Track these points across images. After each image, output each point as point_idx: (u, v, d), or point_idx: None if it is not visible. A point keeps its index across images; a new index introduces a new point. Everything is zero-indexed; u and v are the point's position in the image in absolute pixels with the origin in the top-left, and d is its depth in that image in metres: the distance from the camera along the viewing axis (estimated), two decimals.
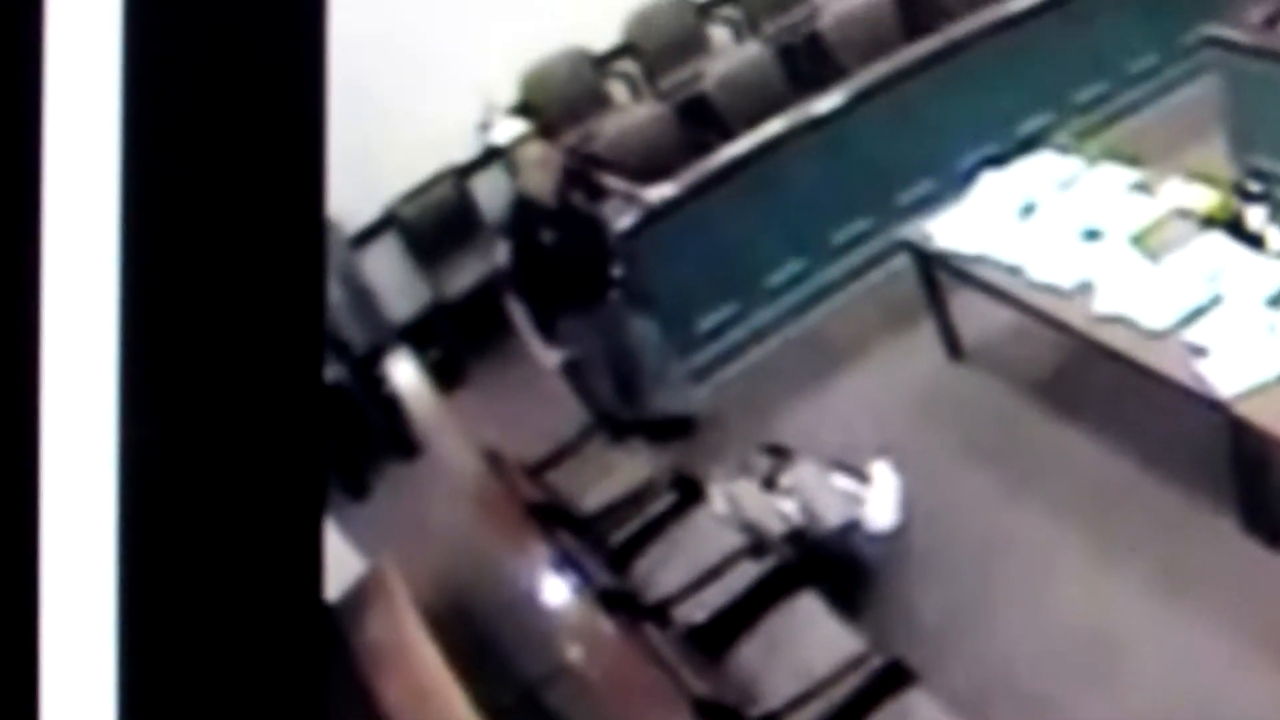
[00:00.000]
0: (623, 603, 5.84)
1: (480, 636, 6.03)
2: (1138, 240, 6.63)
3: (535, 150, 7.91)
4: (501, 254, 7.47)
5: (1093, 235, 6.78)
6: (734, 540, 6.26)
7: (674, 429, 7.82)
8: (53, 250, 3.48)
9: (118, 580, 3.41)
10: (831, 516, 6.52)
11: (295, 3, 3.63)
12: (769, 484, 6.72)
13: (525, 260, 7.35)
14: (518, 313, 7.44)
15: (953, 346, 7.67)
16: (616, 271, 7.62)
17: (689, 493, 6.64)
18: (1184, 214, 6.68)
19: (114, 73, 3.48)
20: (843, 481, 6.75)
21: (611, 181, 8.22)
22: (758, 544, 6.23)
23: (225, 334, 3.33)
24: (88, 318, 3.44)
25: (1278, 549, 5.87)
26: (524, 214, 7.46)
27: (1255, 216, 6.35)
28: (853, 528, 6.56)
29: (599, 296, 7.58)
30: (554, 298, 7.45)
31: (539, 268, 7.35)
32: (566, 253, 7.38)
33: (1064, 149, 7.66)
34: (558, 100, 9.48)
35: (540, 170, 7.46)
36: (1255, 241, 6.31)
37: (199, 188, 3.36)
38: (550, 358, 7.50)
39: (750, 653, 5.75)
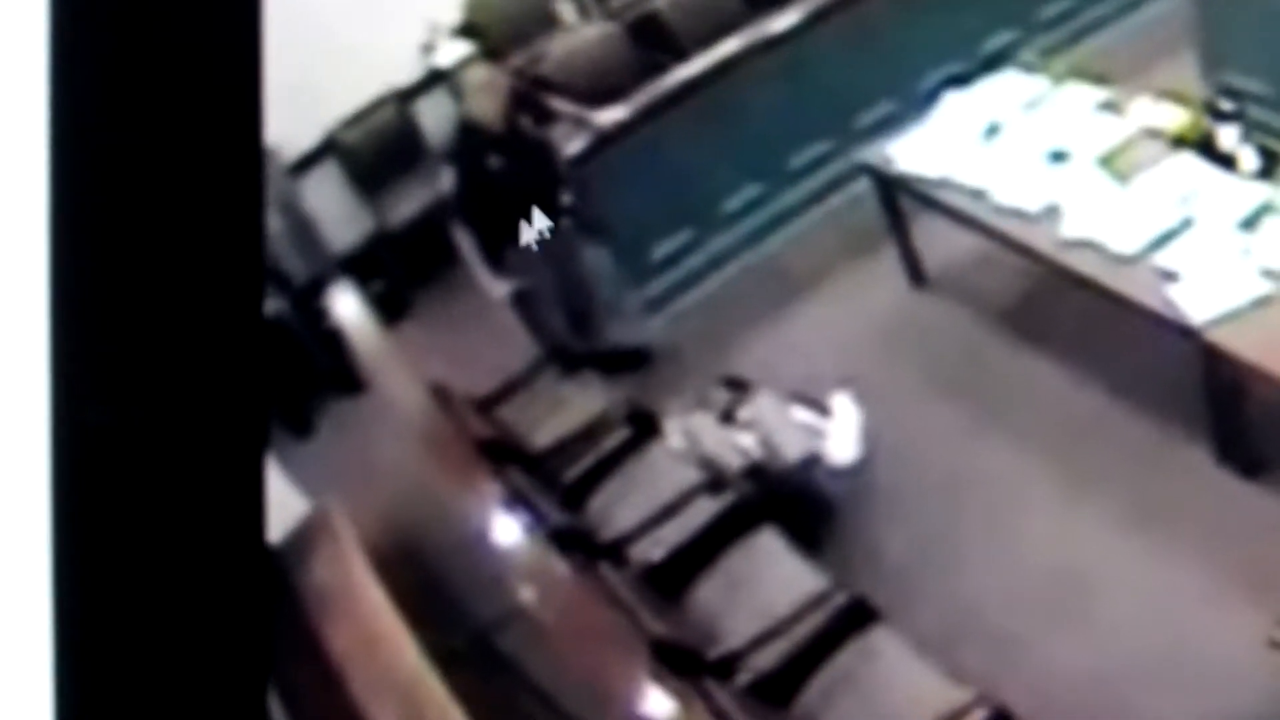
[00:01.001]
0: (577, 542, 5.76)
1: (430, 579, 5.93)
2: (1106, 162, 6.49)
3: (481, 73, 7.74)
4: (447, 181, 7.32)
5: (1059, 157, 6.63)
6: (691, 476, 6.16)
7: (628, 362, 7.71)
8: None
9: (53, 521, 3.28)
10: (792, 450, 6.42)
11: None
12: (727, 418, 6.60)
13: (472, 187, 7.17)
14: (464, 242, 7.30)
15: (915, 274, 7.56)
16: (567, 198, 7.45)
17: (644, 427, 6.53)
18: (1153, 134, 6.54)
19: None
20: (803, 414, 6.64)
21: (560, 105, 8.06)
22: (716, 480, 6.12)
23: (161, 266, 3.17)
24: (17, 249, 3.27)
25: (1252, 480, 5.77)
26: (470, 139, 7.27)
27: (1227, 136, 6.19)
28: (814, 462, 6.46)
29: (549, 224, 7.34)
30: (502, 226, 7.24)
31: (486, 195, 7.13)
32: (515, 179, 7.18)
33: (1029, 68, 7.50)
34: (504, 21, 9.36)
35: (486, 94, 7.26)
36: (1227, 162, 6.16)
37: (130, 112, 3.19)
38: (499, 289, 7.36)
39: (709, 592, 5.67)
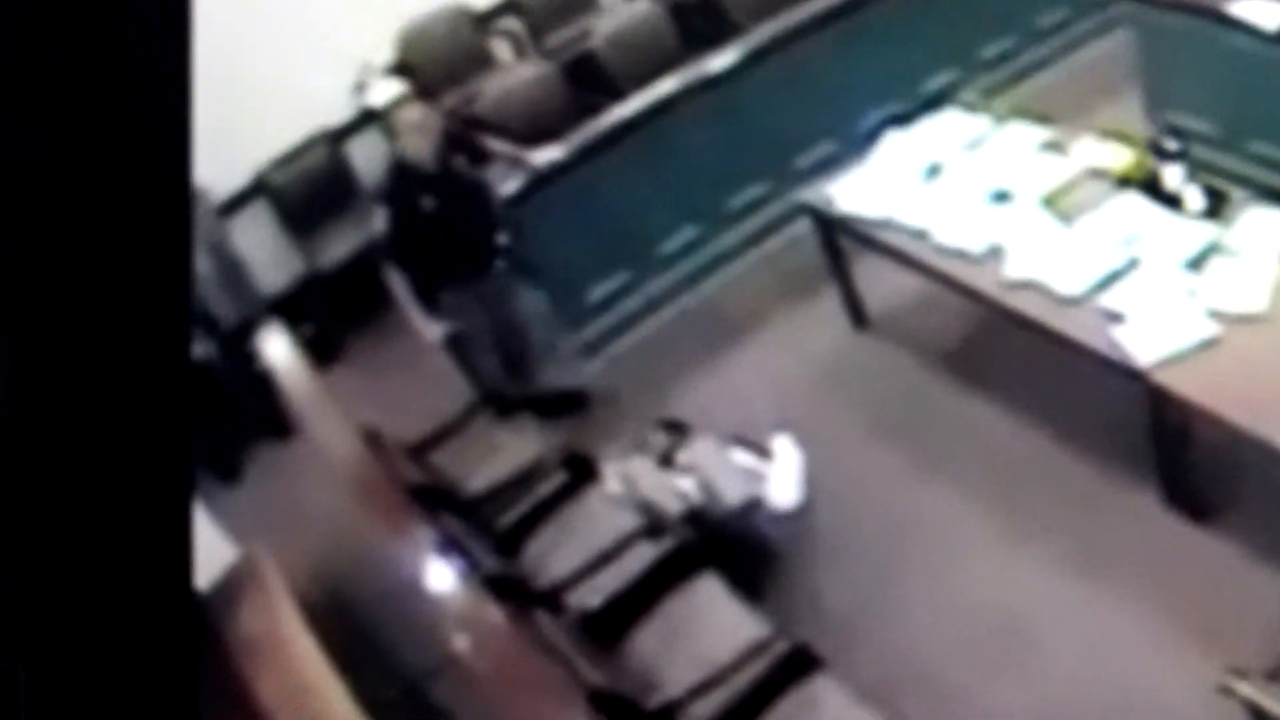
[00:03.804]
0: (512, 589, 5.58)
1: (360, 628, 5.82)
2: (1049, 202, 6.43)
3: (414, 112, 7.57)
4: (379, 222, 7.13)
5: (1002, 197, 6.57)
6: (629, 521, 6.02)
7: (564, 405, 7.66)
8: None
9: None
10: (732, 494, 6.29)
11: None
12: (666, 461, 6.48)
13: (405, 229, 7.04)
14: (397, 284, 7.13)
15: (856, 316, 7.52)
16: (501, 240, 7.34)
17: (581, 472, 6.40)
18: (1098, 174, 6.50)
19: None
20: (743, 458, 6.54)
21: (495, 145, 7.98)
22: (654, 525, 5.98)
23: (84, 309, 2.99)
24: None
25: (1200, 524, 5.68)
26: (403, 180, 7.13)
27: (1172, 175, 6.11)
28: (754, 506, 6.35)
29: (483, 267, 7.29)
30: (436, 268, 7.14)
31: (419, 236, 7.03)
32: (448, 220, 7.06)
33: (971, 107, 7.48)
34: (437, 60, 9.36)
35: (419, 133, 7.12)
36: (1172, 202, 6.09)
37: (56, 151, 3.01)
38: (432, 331, 7.21)
39: (648, 640, 5.53)
